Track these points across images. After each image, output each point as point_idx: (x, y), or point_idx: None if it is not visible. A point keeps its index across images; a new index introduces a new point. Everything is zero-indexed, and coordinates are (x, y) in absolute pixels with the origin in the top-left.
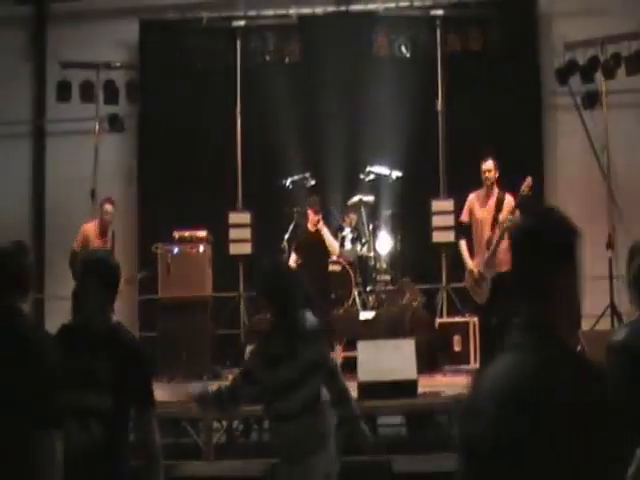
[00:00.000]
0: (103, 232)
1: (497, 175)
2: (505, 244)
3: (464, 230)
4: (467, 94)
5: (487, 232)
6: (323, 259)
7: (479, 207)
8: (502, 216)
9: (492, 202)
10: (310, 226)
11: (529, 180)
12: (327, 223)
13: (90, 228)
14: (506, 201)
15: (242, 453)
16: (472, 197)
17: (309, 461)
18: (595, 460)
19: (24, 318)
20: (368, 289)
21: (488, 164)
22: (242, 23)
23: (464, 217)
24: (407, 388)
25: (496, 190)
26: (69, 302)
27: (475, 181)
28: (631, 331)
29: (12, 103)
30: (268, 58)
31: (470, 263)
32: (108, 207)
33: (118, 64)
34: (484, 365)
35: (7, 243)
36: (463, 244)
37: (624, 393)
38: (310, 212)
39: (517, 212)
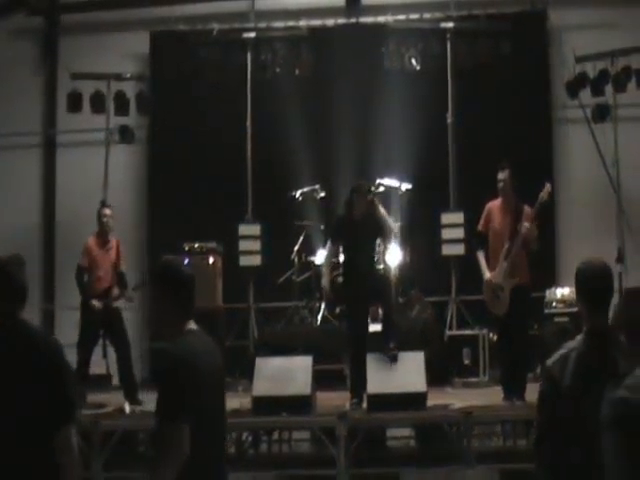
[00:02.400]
0: (104, 241)
1: (513, 185)
2: (523, 255)
3: (481, 240)
4: (477, 107)
5: (505, 243)
6: (371, 248)
7: (497, 217)
8: (521, 226)
9: (511, 213)
10: (357, 211)
11: (549, 187)
12: None
13: (91, 240)
14: (524, 212)
15: (251, 465)
16: (490, 206)
17: None
18: None
19: (31, 325)
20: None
21: (505, 173)
22: (253, 35)
23: (482, 227)
24: (416, 400)
25: (513, 201)
26: (78, 312)
27: (485, 193)
28: None
29: (23, 114)
30: (278, 70)
31: (488, 274)
32: (106, 211)
33: (129, 75)
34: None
35: (5, 255)
36: (481, 255)
37: None
38: (360, 195)
39: (535, 221)
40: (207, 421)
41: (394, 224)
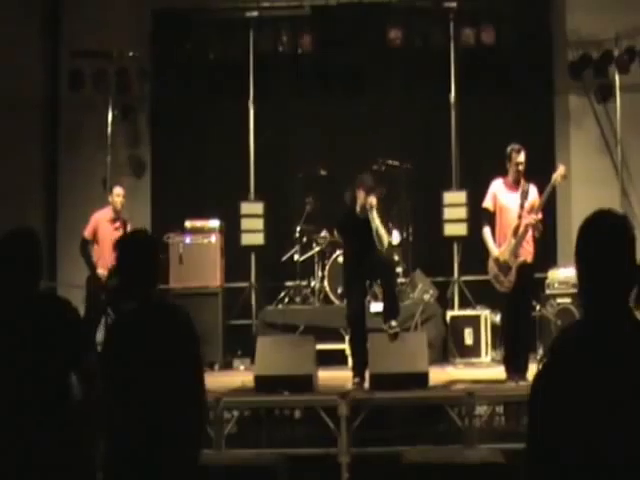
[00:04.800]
0: (114, 219)
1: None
2: (530, 234)
3: (488, 218)
4: (480, 87)
5: (514, 220)
6: (372, 247)
7: (505, 195)
8: (529, 205)
9: (518, 191)
10: (358, 208)
11: (562, 168)
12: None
13: (100, 215)
14: (531, 190)
15: (253, 443)
16: (496, 183)
17: None
18: None
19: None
20: (379, 281)
21: (523, 155)
22: (255, 13)
23: (488, 204)
24: (418, 380)
25: (522, 180)
26: (82, 290)
27: (488, 173)
28: None
29: (24, 92)
30: (281, 49)
31: (495, 251)
32: (118, 189)
33: (131, 53)
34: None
35: (19, 229)
36: (487, 232)
37: None
38: (360, 191)
39: (542, 201)
40: (133, 399)
41: (387, 236)
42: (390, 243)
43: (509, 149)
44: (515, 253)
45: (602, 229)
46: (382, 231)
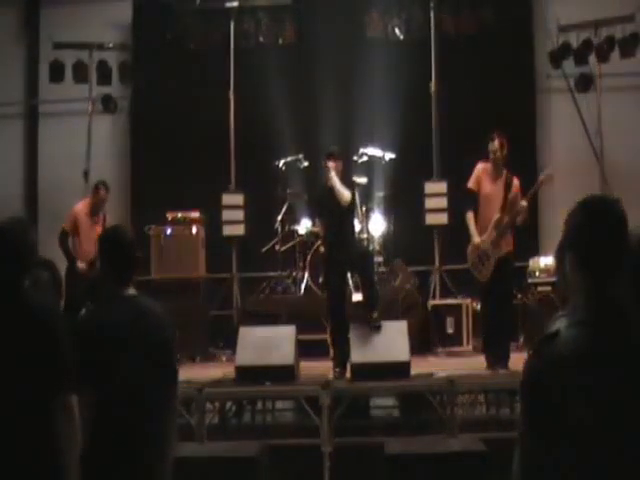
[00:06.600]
0: (94, 212)
1: (505, 154)
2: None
3: (472, 200)
4: (461, 76)
5: (494, 212)
6: (346, 218)
7: (488, 183)
8: (511, 198)
9: (501, 182)
10: (328, 182)
11: (551, 174)
12: None
13: (80, 208)
14: (514, 184)
15: (235, 434)
16: (481, 167)
17: None
18: None
19: (27, 291)
20: (357, 271)
21: (494, 144)
22: (235, 4)
23: (472, 185)
24: (400, 370)
25: (504, 170)
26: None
27: (469, 162)
28: None
29: (5, 84)
30: (262, 39)
31: (477, 238)
32: (102, 193)
33: (111, 45)
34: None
35: (7, 219)
36: (470, 217)
37: None
38: (329, 163)
39: (526, 201)
40: (118, 391)
41: (346, 192)
42: (352, 199)
43: None
44: (495, 245)
45: (600, 214)
46: (339, 186)
